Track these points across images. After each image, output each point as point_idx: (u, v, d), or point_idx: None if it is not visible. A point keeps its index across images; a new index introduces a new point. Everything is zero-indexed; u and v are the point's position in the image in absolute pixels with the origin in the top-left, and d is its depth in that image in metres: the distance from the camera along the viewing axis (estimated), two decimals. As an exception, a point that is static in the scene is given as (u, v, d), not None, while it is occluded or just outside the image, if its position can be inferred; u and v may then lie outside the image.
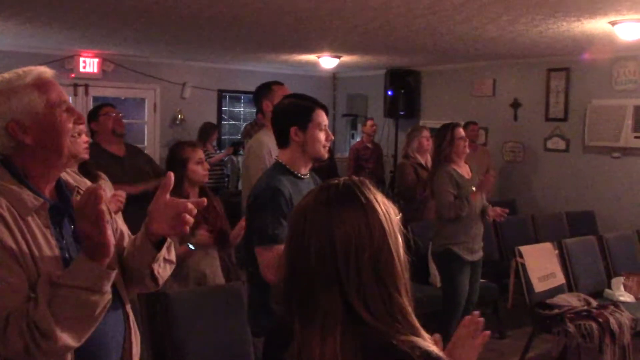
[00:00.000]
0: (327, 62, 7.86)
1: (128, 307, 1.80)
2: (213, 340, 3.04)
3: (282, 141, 2.70)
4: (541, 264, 4.61)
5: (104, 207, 1.43)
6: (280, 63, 8.80)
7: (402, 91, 8.82)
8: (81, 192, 1.73)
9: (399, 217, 1.24)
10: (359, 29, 5.60)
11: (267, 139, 3.81)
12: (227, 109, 9.86)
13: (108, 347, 1.67)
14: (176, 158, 3.45)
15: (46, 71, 1.64)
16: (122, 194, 3.14)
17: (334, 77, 10.47)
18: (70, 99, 7.73)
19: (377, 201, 1.21)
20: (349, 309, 1.16)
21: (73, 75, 7.93)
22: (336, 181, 1.26)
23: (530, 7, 4.42)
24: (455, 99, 8.53)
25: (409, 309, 1.19)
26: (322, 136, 2.66)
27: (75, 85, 8.05)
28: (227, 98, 9.74)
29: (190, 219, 1.64)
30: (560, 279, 4.67)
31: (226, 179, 8.38)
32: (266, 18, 5.16)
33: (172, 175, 1.70)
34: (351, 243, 1.17)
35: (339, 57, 7.73)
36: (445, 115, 7.87)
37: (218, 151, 8.36)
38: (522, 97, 7.77)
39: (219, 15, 5.11)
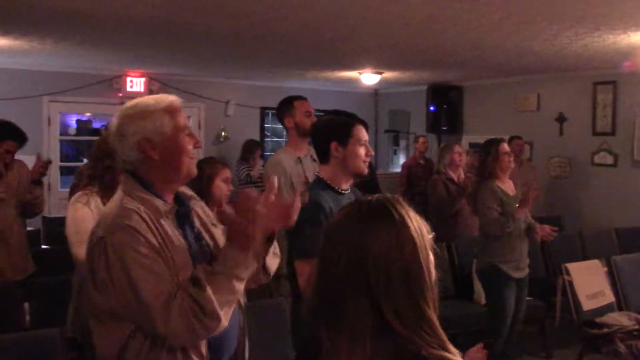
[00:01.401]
0: (369, 78, 7.87)
1: (242, 301, 1.99)
2: (257, 354, 3.05)
3: (323, 157, 2.72)
4: (589, 282, 4.49)
5: (261, 208, 1.70)
6: (322, 80, 8.86)
7: (445, 106, 8.78)
8: (196, 199, 2.03)
9: (431, 235, 1.24)
10: (401, 45, 5.61)
11: (282, 158, 3.81)
12: (269, 125, 9.96)
13: (232, 336, 1.91)
14: (204, 172, 3.42)
15: (176, 100, 1.92)
16: None
17: (376, 93, 10.48)
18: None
19: (409, 217, 1.22)
20: (378, 319, 1.16)
21: (121, 94, 8.13)
22: (369, 197, 1.27)
23: (574, 21, 4.36)
24: (499, 113, 8.44)
25: (437, 323, 1.19)
26: (362, 151, 2.67)
27: (123, 104, 8.24)
28: (270, 115, 9.84)
29: (294, 215, 1.86)
30: (609, 297, 4.54)
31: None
32: (308, 36, 5.22)
33: (276, 179, 1.89)
34: (382, 254, 1.17)
35: (380, 73, 7.74)
36: (488, 131, 7.79)
37: (262, 167, 8.44)
38: (567, 111, 7.63)
39: (261, 34, 5.19)
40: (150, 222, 1.74)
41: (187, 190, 2.02)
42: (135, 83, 8.29)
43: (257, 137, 9.09)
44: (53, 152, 7.64)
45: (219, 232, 2.01)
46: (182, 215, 1.88)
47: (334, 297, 1.20)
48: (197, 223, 1.94)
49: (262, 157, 9.02)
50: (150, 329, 1.68)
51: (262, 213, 1.71)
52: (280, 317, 3.20)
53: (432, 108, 8.81)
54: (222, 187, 3.50)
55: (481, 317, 4.47)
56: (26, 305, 3.76)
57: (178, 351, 1.73)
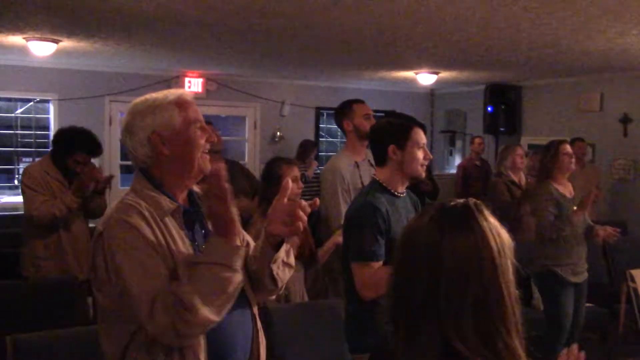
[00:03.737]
0: (425, 78, 7.82)
1: (255, 310, 1.92)
2: (311, 356, 3.07)
3: (380, 159, 2.72)
4: (655, 289, 4.35)
5: (227, 185, 1.60)
6: (377, 80, 8.84)
7: (503, 107, 8.63)
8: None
9: (512, 245, 1.20)
10: (458, 45, 5.55)
11: (340, 162, 3.83)
12: (324, 126, 9.99)
13: (236, 346, 1.81)
14: (272, 173, 3.47)
15: (186, 93, 1.87)
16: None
17: (432, 93, 10.38)
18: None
19: (491, 232, 1.18)
20: (448, 344, 1.14)
21: (180, 94, 8.28)
22: (453, 203, 1.23)
23: (642, 18, 4.23)
24: (559, 114, 8.24)
25: (520, 351, 1.15)
26: (420, 155, 2.66)
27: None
28: (325, 115, 9.87)
29: (304, 217, 1.74)
30: (676, 306, 4.39)
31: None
32: (364, 36, 5.22)
33: (289, 181, 1.85)
34: (459, 275, 1.14)
35: (437, 73, 7.67)
36: (549, 132, 7.63)
37: (317, 168, 8.48)
38: (632, 112, 7.39)
39: (317, 35, 5.22)
40: (150, 219, 1.70)
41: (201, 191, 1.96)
42: (194, 83, 8.46)
43: (312, 137, 9.14)
44: (114, 151, 7.89)
45: (246, 234, 1.96)
46: (192, 216, 1.83)
47: (409, 315, 1.19)
48: (209, 223, 1.85)
49: (317, 157, 9.07)
50: (142, 325, 1.62)
51: (228, 190, 1.60)
52: (335, 319, 3.21)
53: (489, 108, 8.68)
54: (292, 186, 3.52)
55: (540, 323, 4.38)
56: (90, 299, 3.89)
57: (175, 354, 1.66)
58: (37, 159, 7.71)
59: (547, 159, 4.28)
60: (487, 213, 1.21)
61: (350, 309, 2.72)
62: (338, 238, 3.34)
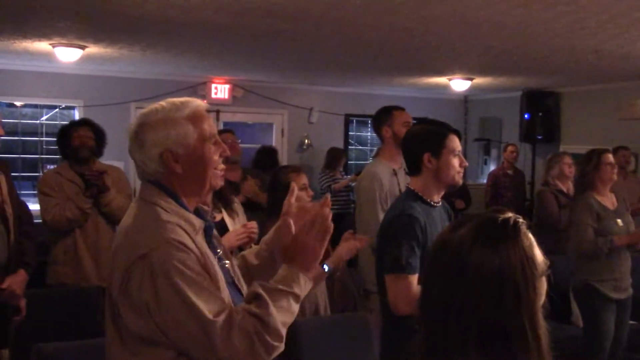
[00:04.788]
0: (459, 84, 7.78)
1: None
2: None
3: (414, 168, 2.70)
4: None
5: (332, 225, 1.66)
6: (408, 86, 8.82)
7: (540, 114, 8.54)
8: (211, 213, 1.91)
9: (546, 273, 1.19)
10: (493, 50, 5.52)
11: (379, 169, 3.81)
12: (354, 133, 10.00)
13: None
14: (279, 182, 3.41)
15: (201, 105, 1.80)
16: (254, 225, 3.17)
17: (466, 99, 10.33)
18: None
19: (521, 261, 1.15)
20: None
21: (205, 101, 8.35)
22: (494, 217, 1.21)
23: (688, 22, 4.16)
24: (600, 122, 8.13)
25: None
26: (456, 162, 2.64)
27: (207, 112, 8.50)
28: (354, 122, 9.88)
29: (330, 225, 1.73)
30: None
31: (352, 206, 8.45)
32: (395, 41, 5.23)
33: (294, 186, 1.87)
34: (475, 293, 1.14)
35: (471, 79, 7.64)
36: (589, 140, 7.53)
37: (345, 177, 8.49)
38: (677, 120, 7.26)
39: (347, 40, 5.23)
40: (191, 237, 1.66)
41: (204, 204, 1.94)
42: (220, 90, 8.54)
43: (340, 145, 9.16)
44: (139, 159, 7.97)
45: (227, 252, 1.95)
46: (209, 232, 1.80)
47: (430, 317, 1.19)
48: (215, 241, 1.86)
49: (346, 165, 9.07)
50: (206, 352, 1.56)
51: (331, 230, 1.66)
52: (363, 333, 3.20)
53: (526, 116, 8.59)
54: (300, 196, 3.49)
55: (579, 341, 4.31)
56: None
57: None
58: (61, 166, 7.88)
59: (588, 169, 4.21)
60: (525, 236, 1.19)
61: (386, 325, 2.69)
62: (352, 243, 3.26)
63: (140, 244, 1.59)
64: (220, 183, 1.80)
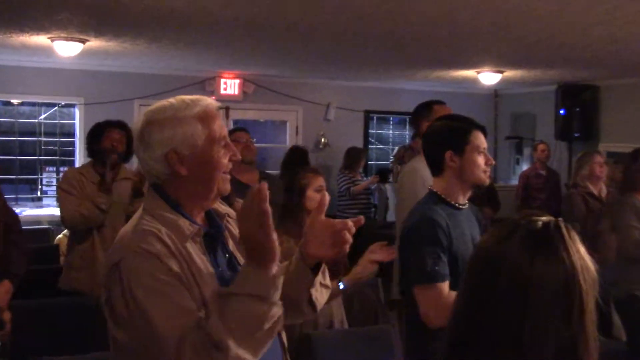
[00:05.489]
0: (488, 77, 7.76)
1: (284, 336, 1.92)
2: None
3: (436, 168, 2.70)
4: None
5: (268, 207, 1.51)
6: (433, 80, 8.80)
7: (577, 109, 8.48)
8: (231, 219, 1.90)
9: (597, 279, 1.20)
10: (525, 41, 5.50)
11: (422, 166, 3.81)
12: (374, 131, 10.00)
13: None
14: (294, 183, 3.45)
15: (212, 104, 1.80)
16: None
17: (496, 94, 10.29)
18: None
19: (581, 266, 1.17)
20: None
21: (214, 97, 8.38)
22: (540, 223, 1.22)
23: None
24: (643, 118, 8.06)
25: None
26: (481, 160, 2.63)
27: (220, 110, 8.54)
28: (375, 119, 9.88)
29: (349, 238, 1.71)
30: None
31: (372, 210, 8.46)
32: (419, 31, 5.22)
33: (326, 196, 1.81)
34: (546, 311, 1.14)
35: (501, 72, 7.61)
36: (631, 138, 7.47)
37: (364, 178, 8.49)
38: None
39: (366, 31, 5.24)
40: (172, 247, 1.65)
41: (221, 207, 1.92)
42: (230, 85, 8.58)
43: (360, 144, 9.16)
44: (143, 160, 8.01)
45: None
46: (213, 238, 1.79)
47: (479, 333, 1.19)
48: (231, 245, 1.86)
49: (366, 166, 9.08)
50: None
51: (269, 212, 1.52)
52: (385, 347, 3.20)
53: (562, 111, 8.54)
54: (315, 197, 3.51)
55: (621, 356, 4.28)
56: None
57: None
58: (61, 168, 7.96)
59: (632, 169, 4.19)
60: (576, 239, 1.20)
61: (413, 339, 2.68)
62: (372, 265, 3.24)
63: (116, 252, 1.66)
64: (228, 188, 1.80)
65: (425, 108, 3.98)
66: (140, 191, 4.20)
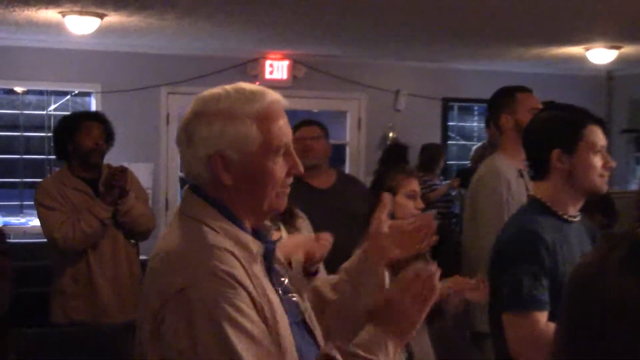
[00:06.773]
0: (599, 55, 7.68)
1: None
2: None
3: (540, 170, 2.68)
4: None
5: (438, 284, 1.73)
6: (529, 60, 8.70)
7: None
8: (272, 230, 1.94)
9: None
10: (649, 8, 5.39)
11: (504, 165, 3.80)
12: (454, 123, 9.95)
13: None
14: (382, 184, 3.50)
15: (277, 101, 1.75)
16: (328, 237, 3.17)
17: (610, 76, 10.12)
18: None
19: None
20: None
21: (258, 82, 8.45)
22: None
23: None
24: None
25: None
26: (597, 161, 2.61)
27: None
28: (455, 109, 9.81)
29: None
30: None
31: (453, 220, 8.40)
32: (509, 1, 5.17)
33: (388, 195, 1.97)
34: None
35: (617, 48, 7.53)
36: None
37: (442, 182, 8.42)
38: None
39: (448, 1, 5.20)
40: (250, 271, 1.64)
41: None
42: (276, 68, 8.62)
43: (437, 139, 9.15)
44: (172, 160, 8.09)
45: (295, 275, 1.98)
46: (268, 258, 1.78)
47: None
48: (278, 267, 1.86)
49: (445, 167, 9.00)
50: None
51: (437, 291, 1.75)
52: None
53: (695, 98, 8.35)
54: (407, 205, 3.51)
55: None
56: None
57: None
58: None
59: None
60: None
61: None
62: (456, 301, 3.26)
63: (178, 275, 1.59)
64: (283, 205, 1.79)
65: (506, 96, 3.94)
66: (124, 190, 4.22)
